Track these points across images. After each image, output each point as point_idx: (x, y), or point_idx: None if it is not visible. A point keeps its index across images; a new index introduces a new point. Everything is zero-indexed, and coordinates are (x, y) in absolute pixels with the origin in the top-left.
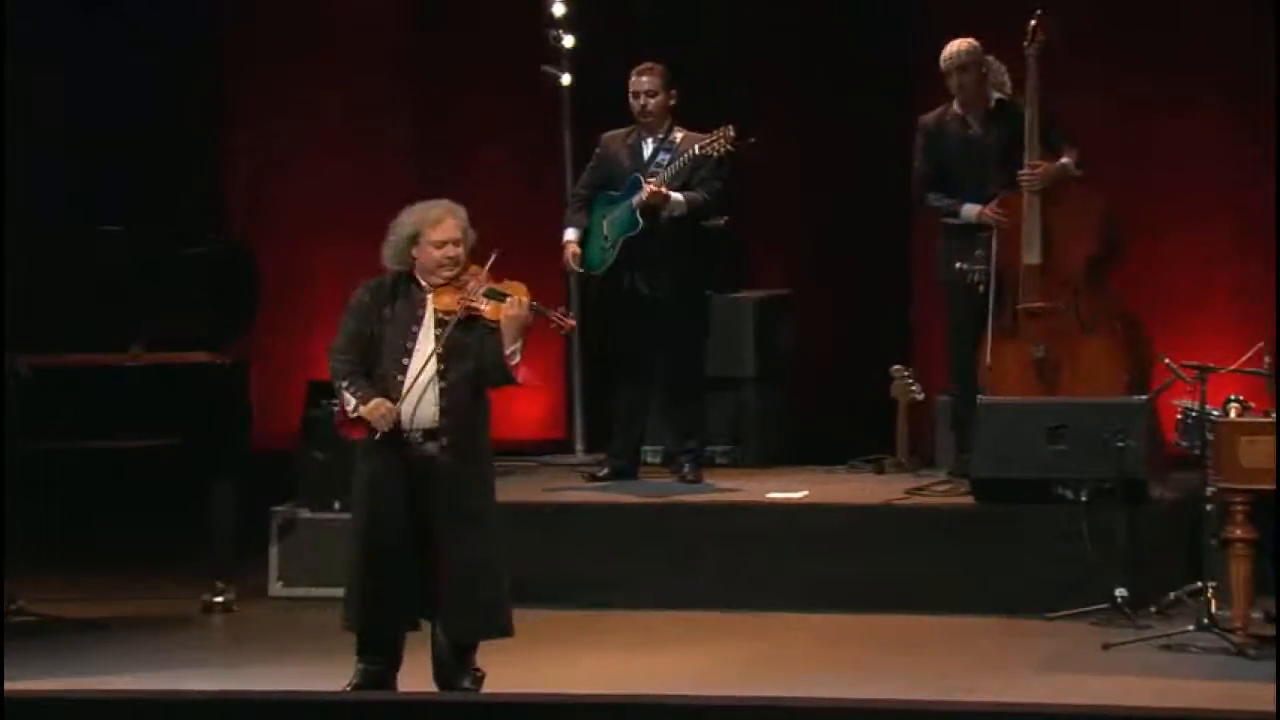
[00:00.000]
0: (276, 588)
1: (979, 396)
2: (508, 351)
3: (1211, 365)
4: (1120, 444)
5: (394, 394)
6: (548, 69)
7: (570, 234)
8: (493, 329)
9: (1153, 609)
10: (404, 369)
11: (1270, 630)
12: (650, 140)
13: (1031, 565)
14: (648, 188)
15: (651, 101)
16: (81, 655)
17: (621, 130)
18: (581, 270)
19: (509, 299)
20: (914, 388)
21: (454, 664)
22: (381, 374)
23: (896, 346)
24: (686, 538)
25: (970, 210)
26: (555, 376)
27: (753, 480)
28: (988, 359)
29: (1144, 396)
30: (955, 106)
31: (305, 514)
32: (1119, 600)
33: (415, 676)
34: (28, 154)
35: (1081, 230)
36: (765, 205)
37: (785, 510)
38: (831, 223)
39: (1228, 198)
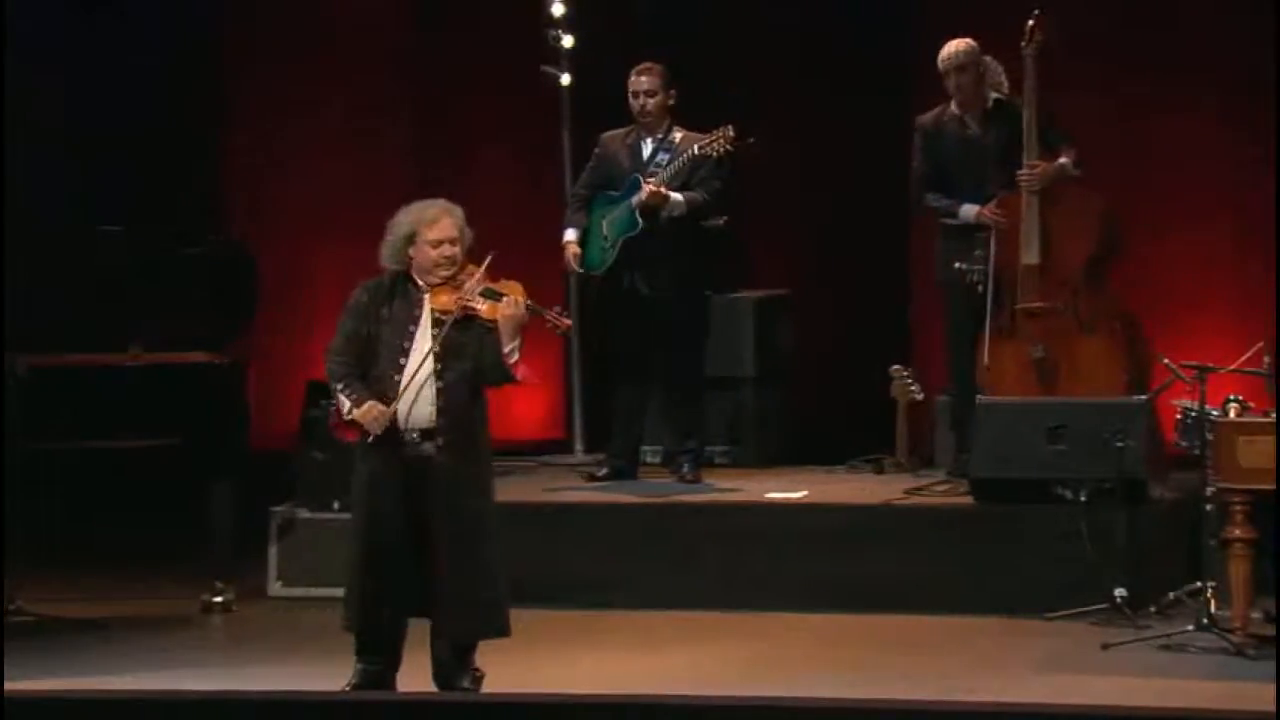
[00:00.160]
0: (276, 588)
1: (978, 396)
2: (505, 350)
3: (1211, 365)
4: (1120, 444)
5: (391, 394)
6: (547, 69)
7: (570, 234)
8: (490, 329)
9: (1152, 609)
10: (401, 369)
11: (1269, 630)
12: (649, 140)
13: (1031, 565)
14: (647, 188)
15: (651, 101)
16: (81, 655)
17: (621, 130)
18: (581, 270)
19: (506, 299)
20: (913, 388)
21: (453, 664)
22: (379, 374)
23: (896, 346)
24: (686, 538)
25: (969, 211)
26: (555, 376)
27: (752, 480)
28: (986, 359)
29: (1143, 396)
30: (953, 107)
31: (304, 514)
32: (1118, 600)
33: (415, 676)
34: (28, 154)
35: (1080, 230)
36: (765, 205)
37: (785, 510)
38: (831, 223)
39: (1228, 198)
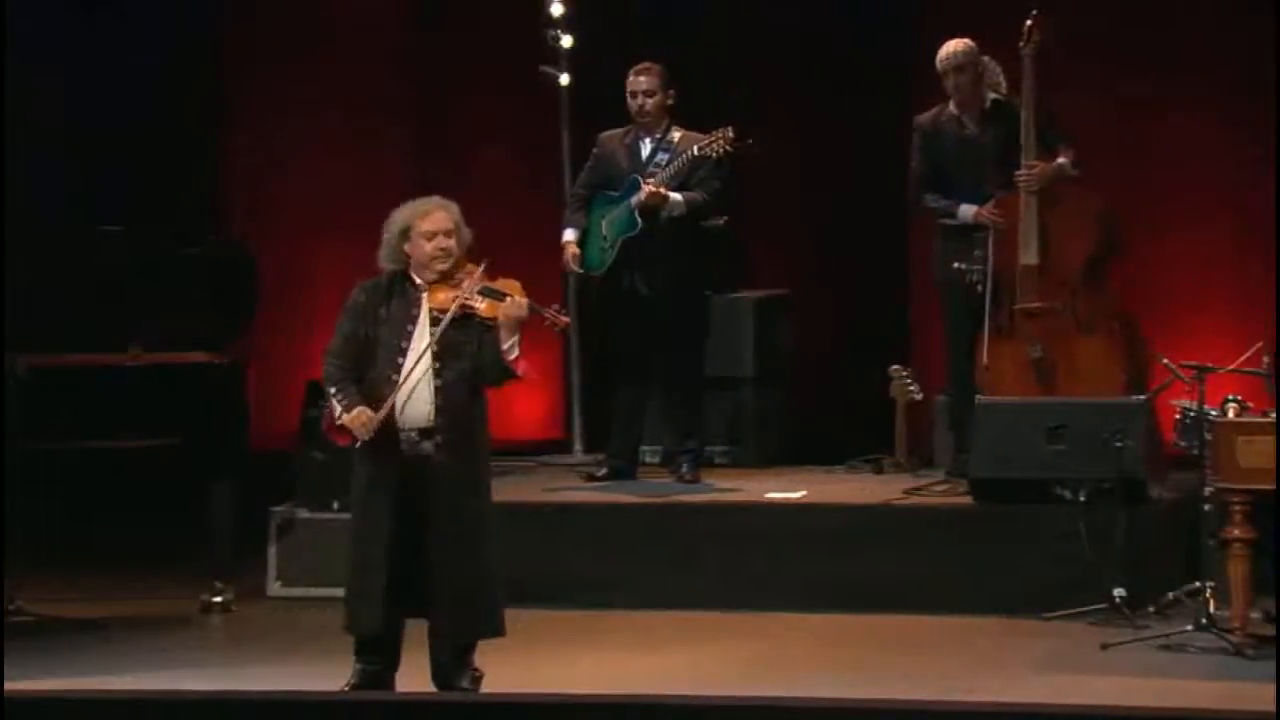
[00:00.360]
0: (275, 588)
1: (977, 397)
2: (505, 346)
3: (1210, 365)
4: (1119, 444)
5: (388, 392)
6: (546, 69)
7: (569, 234)
8: (489, 327)
9: (1151, 609)
10: (399, 368)
11: (1269, 630)
12: (648, 140)
13: (1030, 565)
14: (646, 188)
15: (649, 101)
16: (81, 655)
17: (619, 130)
18: (581, 270)
19: (508, 298)
20: (912, 388)
21: (452, 664)
22: (376, 374)
23: (895, 346)
24: (686, 538)
25: (967, 211)
26: (554, 377)
27: (751, 480)
28: (985, 359)
29: (1142, 396)
30: (951, 107)
31: (304, 514)
32: (1117, 600)
33: (414, 677)
34: (28, 154)
35: (1078, 230)
36: (764, 205)
37: (784, 510)
38: (831, 223)
39: (1227, 198)
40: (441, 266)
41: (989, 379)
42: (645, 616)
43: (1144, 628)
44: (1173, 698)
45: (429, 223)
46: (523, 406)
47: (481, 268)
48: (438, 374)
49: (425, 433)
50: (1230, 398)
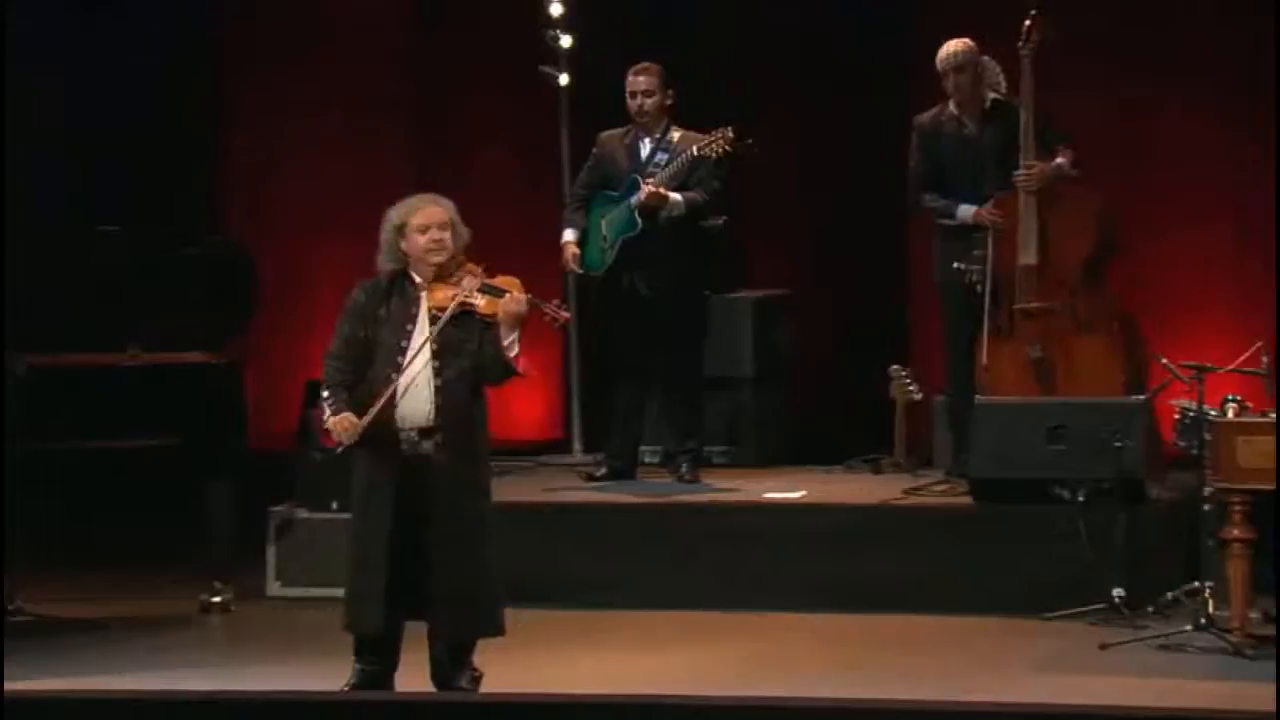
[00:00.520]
0: (274, 587)
1: (976, 397)
2: (505, 343)
3: (1209, 365)
4: (1118, 444)
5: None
6: (546, 69)
7: (569, 234)
8: (488, 324)
9: (1150, 609)
10: (399, 367)
11: (1268, 630)
12: (648, 140)
13: (1029, 565)
14: (646, 188)
15: (649, 101)
16: (81, 655)
17: (619, 130)
18: (580, 270)
19: (507, 294)
20: (912, 388)
21: (451, 664)
22: (376, 373)
23: (894, 347)
24: (685, 538)
25: (966, 211)
26: (553, 376)
27: (750, 480)
28: (984, 359)
29: (1142, 396)
30: (951, 106)
31: (303, 514)
32: (1117, 600)
33: (413, 677)
34: (28, 154)
35: (1077, 230)
36: (764, 205)
37: (783, 510)
38: (830, 223)
39: (1227, 198)
40: (436, 259)
41: (988, 379)
42: (645, 616)
43: (1143, 628)
44: (1172, 698)
45: (421, 217)
46: (522, 406)
47: (481, 267)
48: (437, 373)
49: (425, 432)
50: (1230, 398)
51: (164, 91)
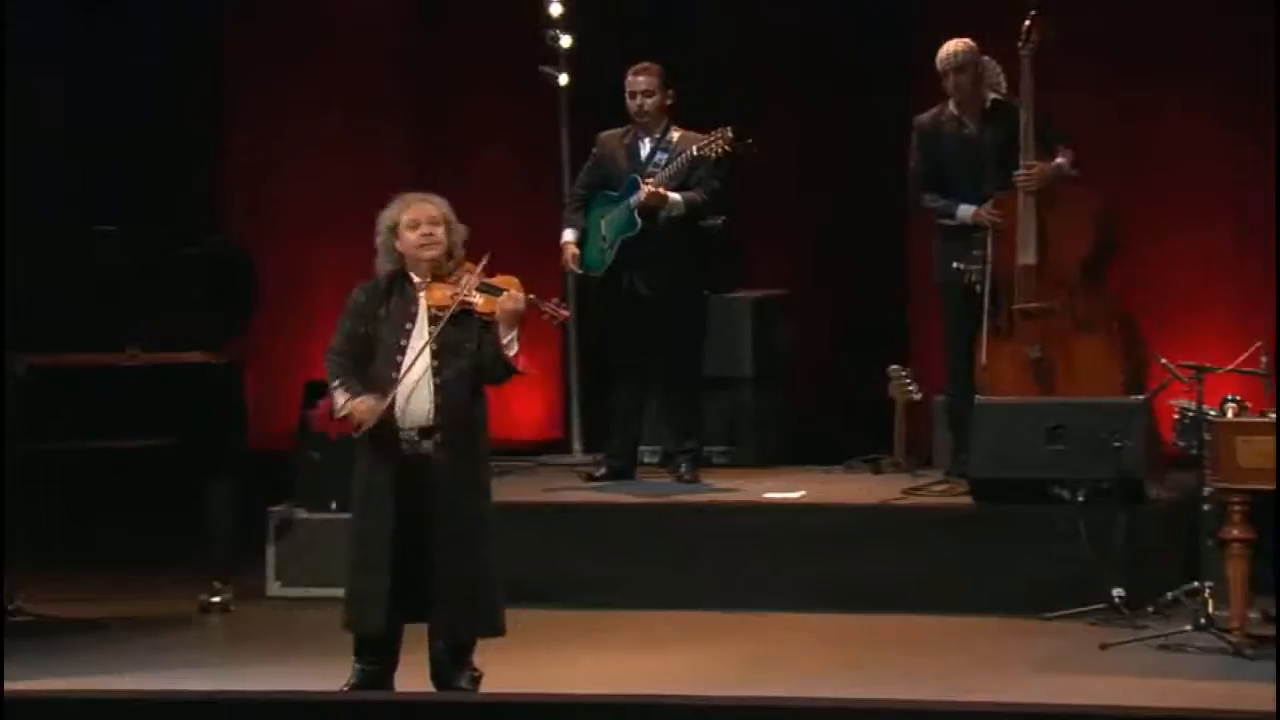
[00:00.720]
0: (274, 588)
1: (976, 397)
2: (504, 342)
3: (1208, 365)
4: (1118, 444)
5: (388, 390)
6: (546, 69)
7: (568, 234)
8: (487, 323)
9: (1150, 609)
10: (399, 367)
11: (1267, 630)
12: (647, 140)
13: (1029, 565)
14: (645, 188)
15: (648, 101)
16: (80, 655)
17: (618, 130)
18: (580, 271)
19: (505, 292)
20: (911, 388)
21: (451, 664)
22: (376, 372)
23: (894, 346)
24: (685, 538)
25: (965, 211)
26: (553, 376)
27: (750, 480)
28: (984, 359)
29: (1141, 396)
30: (951, 106)
31: (302, 514)
32: (1116, 600)
33: (413, 677)
34: (28, 154)
35: (1077, 230)
36: (763, 205)
37: (783, 510)
38: (830, 223)
39: (1227, 198)
40: (429, 254)
41: (988, 379)
42: (644, 616)
43: (1143, 628)
44: (1172, 698)
45: (411, 213)
46: (521, 406)
47: (480, 265)
48: (437, 373)
49: (425, 432)
50: (1229, 398)
51: (164, 91)
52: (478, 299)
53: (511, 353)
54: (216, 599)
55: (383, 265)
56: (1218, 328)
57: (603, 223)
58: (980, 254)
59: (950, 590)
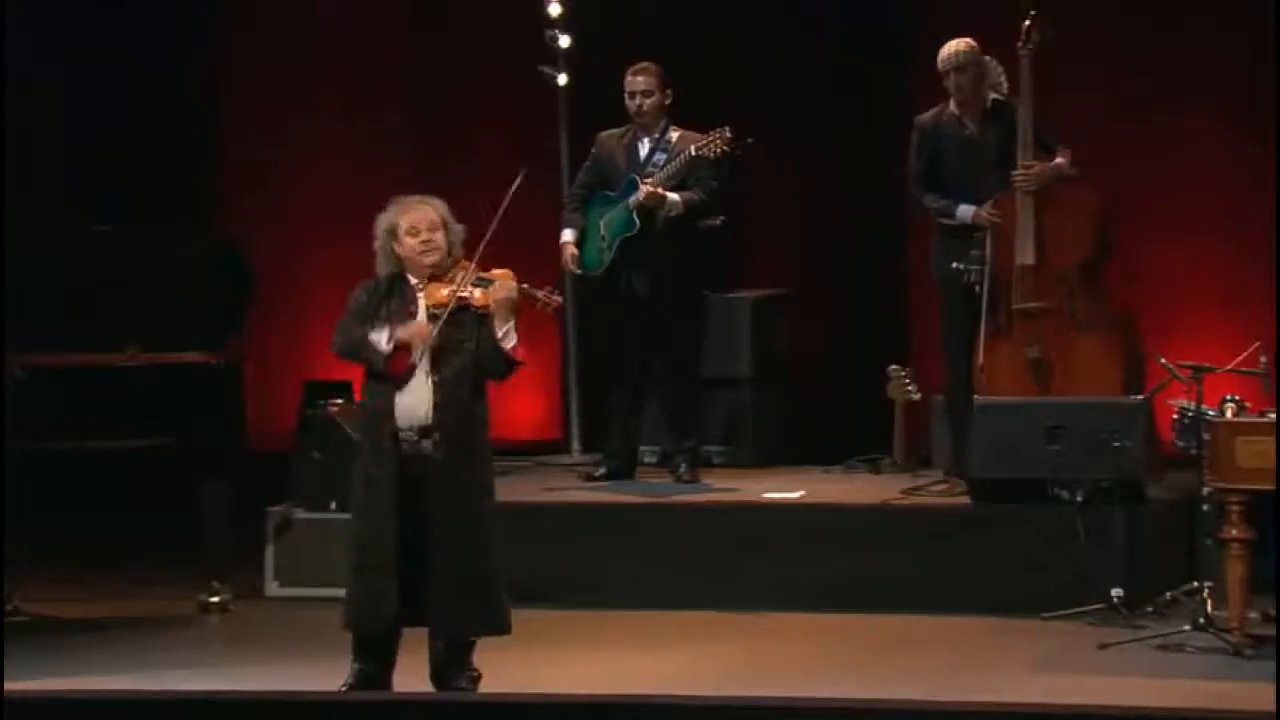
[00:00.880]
0: (273, 588)
1: (975, 397)
2: (500, 334)
3: (1207, 365)
4: (1117, 444)
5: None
6: (545, 69)
7: (567, 234)
8: (484, 317)
9: (1149, 609)
10: None
11: (1266, 630)
12: (646, 140)
13: (1028, 565)
14: (645, 188)
15: (647, 101)
16: (79, 655)
17: (617, 130)
18: (579, 270)
19: (496, 282)
20: (910, 388)
21: (450, 664)
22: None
23: (893, 346)
24: (684, 538)
25: (965, 211)
26: (552, 376)
27: (749, 480)
28: (982, 359)
29: (1140, 396)
30: (952, 106)
31: (301, 514)
32: (1115, 600)
33: (412, 676)
34: (28, 154)
35: (1075, 230)
36: (763, 205)
37: (782, 510)
38: (829, 223)
39: (1227, 197)
40: (430, 260)
41: (987, 379)
42: (644, 616)
43: (1142, 628)
44: (1171, 698)
45: (410, 219)
46: (520, 406)
47: (475, 260)
48: (436, 372)
49: (425, 431)
50: (1228, 398)
51: (164, 91)
52: (474, 293)
53: (509, 344)
54: (215, 599)
55: (381, 267)
56: (1217, 328)
57: (601, 223)
58: (979, 254)
59: (949, 590)
